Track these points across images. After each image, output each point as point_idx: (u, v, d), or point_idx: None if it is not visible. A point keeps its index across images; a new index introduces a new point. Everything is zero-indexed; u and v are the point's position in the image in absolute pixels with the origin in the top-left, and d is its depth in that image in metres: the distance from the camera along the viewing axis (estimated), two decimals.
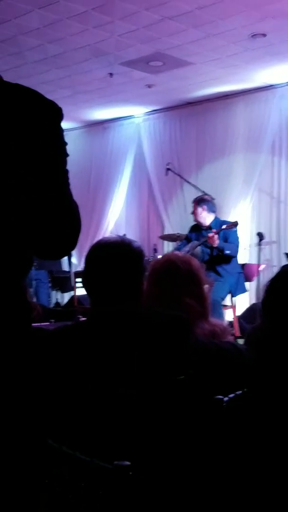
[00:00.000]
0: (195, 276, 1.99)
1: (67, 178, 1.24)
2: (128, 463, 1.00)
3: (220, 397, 1.49)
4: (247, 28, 4.69)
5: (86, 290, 1.69)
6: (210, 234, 5.09)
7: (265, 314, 1.55)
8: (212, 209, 5.38)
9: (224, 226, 5.20)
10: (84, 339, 1.57)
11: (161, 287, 1.95)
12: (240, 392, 1.54)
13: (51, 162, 1.18)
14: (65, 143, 1.23)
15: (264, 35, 4.80)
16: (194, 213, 5.40)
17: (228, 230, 5.22)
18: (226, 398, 1.49)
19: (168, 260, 2.01)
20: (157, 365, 1.53)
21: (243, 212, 6.37)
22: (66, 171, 1.24)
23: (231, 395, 1.51)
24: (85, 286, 1.69)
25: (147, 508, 1.13)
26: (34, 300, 4.85)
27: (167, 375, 1.56)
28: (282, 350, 1.37)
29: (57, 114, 1.19)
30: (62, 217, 1.22)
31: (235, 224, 5.24)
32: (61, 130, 1.21)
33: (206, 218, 5.32)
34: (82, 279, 1.71)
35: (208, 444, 1.48)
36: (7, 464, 1.12)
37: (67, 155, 1.23)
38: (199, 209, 5.33)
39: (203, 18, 4.54)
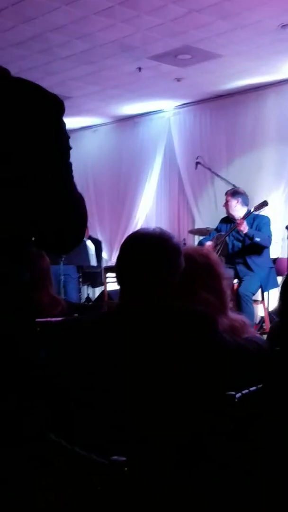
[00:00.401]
0: (213, 270, 1.97)
1: (70, 171, 1.25)
2: (123, 458, 1.01)
3: (232, 393, 1.48)
4: (276, 19, 4.61)
5: (117, 278, 1.65)
6: (239, 220, 5.03)
7: (281, 299, 1.52)
8: (245, 202, 5.32)
9: (252, 209, 5.15)
10: (107, 330, 1.56)
11: (180, 281, 1.94)
12: (255, 388, 1.53)
13: (53, 155, 1.19)
14: (68, 136, 1.24)
15: None
16: (226, 205, 5.33)
17: (261, 221, 5.15)
18: (238, 394, 1.48)
19: (186, 254, 2.00)
20: (179, 360, 1.52)
21: (275, 206, 6.27)
22: (69, 164, 1.24)
23: (244, 391, 1.50)
24: (117, 274, 1.65)
25: (144, 504, 1.14)
26: (63, 295, 4.90)
27: (188, 370, 1.55)
28: None
29: (59, 107, 1.20)
30: (66, 210, 1.23)
31: (264, 203, 5.16)
32: (62, 123, 1.22)
33: (239, 211, 5.26)
34: (115, 267, 1.66)
35: (216, 439, 1.47)
36: (8, 455, 1.14)
37: (69, 148, 1.24)
38: (233, 201, 5.27)
39: (231, 10, 4.48)
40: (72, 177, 1.26)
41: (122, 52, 5.34)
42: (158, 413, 1.47)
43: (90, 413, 1.47)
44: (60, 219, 1.23)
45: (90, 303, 6.41)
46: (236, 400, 1.42)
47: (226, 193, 5.44)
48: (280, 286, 1.38)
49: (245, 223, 4.99)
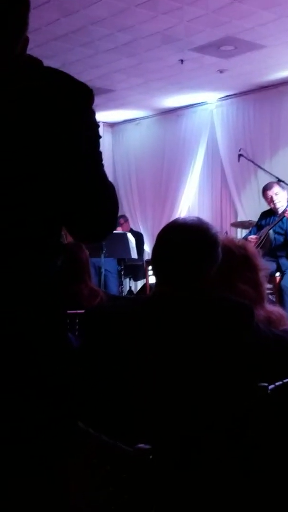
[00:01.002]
0: (250, 261, 1.96)
1: (100, 160, 1.25)
2: (148, 446, 1.02)
3: (265, 384, 1.46)
4: None
5: (154, 266, 1.64)
6: (286, 212, 4.93)
7: None
8: (287, 194, 5.21)
9: None
10: (142, 317, 1.56)
11: (216, 273, 1.93)
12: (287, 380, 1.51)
13: (83, 144, 1.19)
14: (98, 125, 1.24)
15: None
16: (274, 197, 5.16)
17: None
18: (271, 386, 1.46)
19: (223, 246, 1.98)
20: (215, 350, 1.51)
21: None
22: (99, 153, 1.25)
23: (278, 383, 1.48)
24: (153, 263, 1.64)
25: (168, 492, 1.15)
26: (103, 288, 4.95)
27: (224, 361, 1.54)
28: None
29: (88, 95, 1.20)
30: (96, 198, 1.23)
31: None
32: (92, 112, 1.22)
33: (284, 199, 5.14)
34: (152, 255, 1.65)
35: (248, 431, 1.47)
36: (39, 442, 1.17)
37: (99, 136, 1.24)
38: (282, 192, 5.14)
39: (273, 0, 4.40)
40: (102, 165, 1.27)
41: (164, 44, 5.32)
42: (190, 402, 1.48)
43: (122, 401, 1.49)
44: (91, 208, 1.24)
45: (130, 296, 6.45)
46: (268, 391, 1.40)
47: (269, 188, 5.26)
48: None
49: None
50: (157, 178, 7.96)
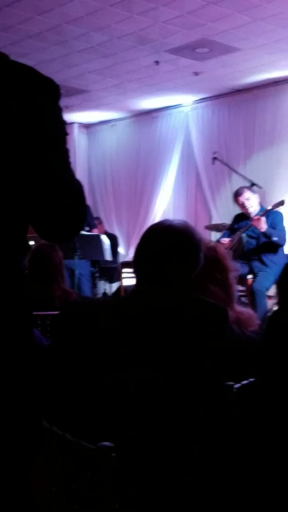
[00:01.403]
0: (220, 263, 1.95)
1: (67, 157, 1.22)
2: (110, 444, 0.99)
3: (231, 383, 1.46)
4: None
5: (135, 266, 1.61)
6: (256, 217, 4.95)
7: (281, 294, 1.50)
8: (258, 198, 5.25)
9: (269, 207, 5.06)
10: (116, 315, 1.54)
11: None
12: (253, 379, 1.51)
13: (49, 140, 1.16)
14: (64, 122, 1.21)
15: None
16: (246, 203, 5.16)
17: (274, 218, 5.08)
18: (237, 385, 1.46)
19: None
20: (187, 352, 1.50)
21: None
22: (66, 150, 1.22)
23: (244, 382, 1.48)
24: (134, 262, 1.61)
25: (131, 489, 1.12)
26: (76, 290, 4.89)
27: (194, 361, 1.53)
28: None
29: (55, 91, 1.17)
30: (63, 194, 1.20)
31: (281, 203, 5.07)
32: (58, 108, 1.19)
33: (255, 204, 5.15)
34: (135, 253, 1.61)
35: (213, 429, 1.45)
36: (3, 441, 1.14)
37: (66, 133, 1.21)
38: (253, 196, 5.15)
39: (249, 2, 4.43)
40: (69, 163, 1.23)
41: (140, 45, 5.32)
42: (157, 400, 1.46)
43: (89, 398, 1.46)
44: (59, 203, 1.20)
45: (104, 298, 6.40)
46: (234, 390, 1.39)
47: (239, 194, 5.24)
48: (279, 278, 1.35)
49: (263, 220, 4.90)
50: (132, 180, 7.96)
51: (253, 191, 5.21)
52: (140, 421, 1.41)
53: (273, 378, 1.24)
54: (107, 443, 0.99)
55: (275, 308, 1.46)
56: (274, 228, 5.04)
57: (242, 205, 5.16)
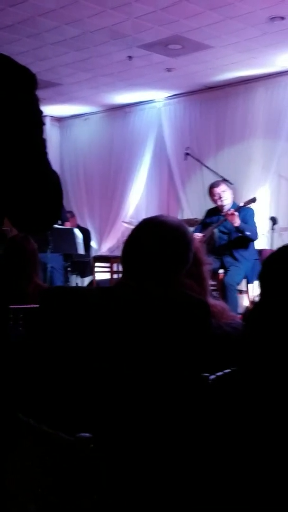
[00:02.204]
0: (195, 256, 1.99)
1: (44, 147, 1.21)
2: (89, 435, 1.02)
3: (206, 374, 1.49)
4: (266, 11, 4.61)
5: (123, 259, 1.59)
6: (230, 211, 5.01)
7: (261, 287, 1.54)
8: (232, 193, 5.31)
9: (241, 204, 5.14)
10: (97, 305, 1.54)
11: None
12: (229, 370, 1.54)
13: (26, 131, 1.15)
14: (41, 112, 1.20)
15: (282, 18, 4.71)
16: (215, 192, 5.22)
17: (246, 214, 5.16)
18: (212, 376, 1.49)
19: None
20: (167, 344, 1.53)
21: (262, 198, 6.30)
22: (43, 140, 1.20)
23: (219, 373, 1.52)
24: (123, 255, 1.59)
25: (109, 480, 1.15)
26: (48, 283, 4.88)
27: (175, 354, 1.56)
28: (273, 323, 1.35)
29: (31, 80, 1.14)
30: (39, 184, 1.19)
31: (253, 200, 5.15)
32: (35, 98, 1.17)
33: (229, 198, 5.21)
34: (123, 247, 1.60)
35: (189, 421, 1.49)
36: None
37: (42, 123, 1.20)
38: (224, 186, 5.20)
39: (221, 0, 4.47)
40: (46, 153, 1.22)
41: (113, 39, 5.32)
42: (135, 391, 1.49)
43: (70, 389, 1.49)
44: (34, 193, 1.19)
45: None
46: (209, 381, 1.43)
47: (216, 185, 5.31)
48: (260, 271, 1.39)
49: (237, 215, 4.97)
50: (105, 175, 7.95)
51: (229, 186, 5.29)
52: (119, 412, 1.44)
53: (253, 370, 1.28)
54: (85, 434, 1.01)
55: (256, 300, 1.50)
56: (245, 223, 5.12)
57: (218, 197, 5.21)
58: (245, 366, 1.36)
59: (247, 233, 5.03)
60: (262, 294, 1.32)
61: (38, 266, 3.23)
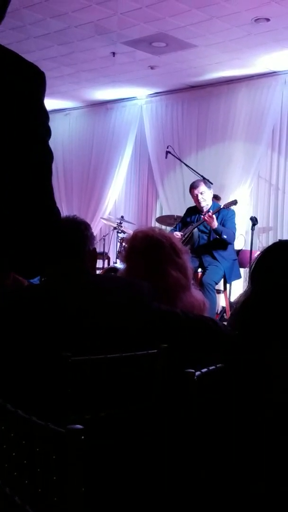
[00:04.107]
0: (176, 247, 2.04)
1: (50, 172, 1.02)
2: (80, 427, 1.02)
3: (192, 370, 1.50)
4: (251, 12, 4.64)
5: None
6: (208, 214, 5.04)
7: (251, 282, 1.56)
8: (212, 193, 5.32)
9: (222, 206, 5.17)
10: (42, 298, 1.63)
11: (146, 264, 1.98)
12: (214, 367, 1.56)
13: (34, 141, 0.98)
14: (48, 117, 1.02)
15: (267, 19, 4.75)
16: (200, 196, 5.22)
17: (226, 215, 5.19)
18: (198, 372, 1.50)
19: (149, 236, 2.04)
20: (111, 329, 1.60)
21: (242, 198, 6.35)
22: (50, 154, 1.01)
23: (204, 370, 1.53)
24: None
25: (101, 473, 1.16)
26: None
27: (123, 341, 1.61)
28: (263, 318, 1.36)
29: (42, 78, 0.99)
30: (42, 222, 0.99)
31: (234, 202, 5.19)
32: (43, 96, 1.00)
33: (208, 199, 5.23)
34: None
35: (175, 415, 1.50)
36: None
37: (49, 132, 1.01)
38: (203, 187, 5.20)
39: (207, 0, 4.49)
40: (50, 172, 1.04)
41: (97, 35, 5.30)
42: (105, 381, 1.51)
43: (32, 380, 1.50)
44: (36, 231, 0.99)
45: None
46: (195, 378, 1.44)
47: (195, 186, 5.30)
48: (250, 269, 1.41)
49: (214, 218, 5.00)
50: (84, 171, 7.93)
51: (209, 186, 5.30)
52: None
53: (243, 366, 1.30)
54: (77, 426, 1.01)
55: (243, 296, 1.51)
56: (224, 225, 5.15)
57: (196, 198, 5.23)
58: (234, 362, 1.37)
59: (224, 236, 5.06)
60: (253, 290, 1.33)
61: None
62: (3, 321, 1.60)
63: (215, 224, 5.00)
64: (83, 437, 1.02)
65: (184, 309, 1.89)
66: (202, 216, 5.13)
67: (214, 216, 5.01)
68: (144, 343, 1.66)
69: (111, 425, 1.51)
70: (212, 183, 5.57)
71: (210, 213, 5.05)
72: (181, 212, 6.14)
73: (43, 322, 1.57)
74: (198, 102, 6.83)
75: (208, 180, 5.59)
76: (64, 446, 1.02)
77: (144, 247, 2.00)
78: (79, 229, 1.78)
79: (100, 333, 1.62)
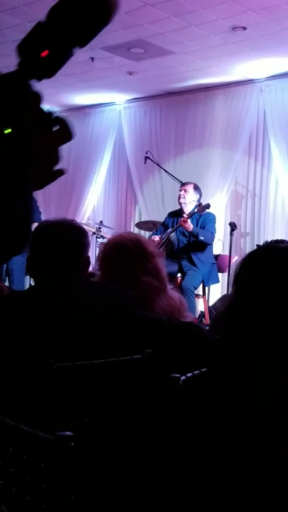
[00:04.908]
0: (146, 251, 2.02)
1: None
2: (70, 433, 1.02)
3: (177, 375, 1.51)
4: (228, 20, 4.70)
5: (36, 262, 1.77)
6: (183, 218, 5.09)
7: (235, 287, 1.57)
8: (200, 200, 5.37)
9: (196, 209, 5.22)
10: (32, 304, 1.63)
11: (115, 271, 1.97)
12: (198, 372, 1.56)
13: None
14: None
15: (244, 28, 4.81)
16: (183, 194, 5.28)
17: (206, 218, 5.24)
18: (183, 377, 1.51)
19: (117, 243, 2.04)
20: (100, 336, 1.61)
21: (219, 204, 6.42)
22: None
23: (189, 374, 1.53)
24: (35, 259, 1.77)
25: (90, 480, 1.16)
26: (7, 283, 4.80)
27: (111, 347, 1.61)
28: (249, 322, 1.38)
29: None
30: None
31: (206, 206, 5.24)
32: None
33: (193, 205, 5.29)
34: (31, 257, 1.79)
35: (159, 420, 1.51)
36: None
37: None
38: (194, 195, 5.27)
39: (185, 7, 4.53)
40: None
41: None
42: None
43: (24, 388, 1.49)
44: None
45: None
46: (180, 383, 1.45)
47: (183, 184, 5.42)
48: (235, 273, 1.42)
49: (189, 221, 5.06)
50: (62, 176, 7.88)
51: (197, 191, 5.34)
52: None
53: (227, 370, 1.31)
54: (67, 433, 1.01)
55: (227, 300, 1.52)
56: (204, 227, 5.20)
57: (179, 196, 5.33)
58: (219, 367, 1.39)
59: (201, 237, 5.11)
60: (237, 294, 1.35)
61: None
62: None
63: (191, 226, 5.06)
64: (73, 444, 1.02)
65: (166, 314, 1.89)
66: (180, 220, 5.18)
67: (188, 220, 5.06)
68: (129, 350, 1.66)
69: (96, 431, 1.51)
70: (201, 193, 5.51)
71: (185, 217, 5.10)
72: (159, 218, 6.17)
73: (27, 329, 1.56)
74: (176, 109, 6.88)
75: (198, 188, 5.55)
76: (54, 453, 1.02)
77: (112, 253, 2.00)
78: (79, 237, 1.76)
79: (84, 340, 1.62)
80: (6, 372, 1.47)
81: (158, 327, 1.79)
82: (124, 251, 1.99)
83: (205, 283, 5.35)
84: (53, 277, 1.70)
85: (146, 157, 6.26)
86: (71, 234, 1.76)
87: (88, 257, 1.85)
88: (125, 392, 1.63)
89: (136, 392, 1.63)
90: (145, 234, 6.84)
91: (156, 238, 5.36)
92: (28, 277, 7.13)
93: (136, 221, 7.08)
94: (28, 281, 7.26)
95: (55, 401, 1.46)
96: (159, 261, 2.07)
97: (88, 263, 1.85)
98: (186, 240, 5.30)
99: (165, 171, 6.28)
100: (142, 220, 7.00)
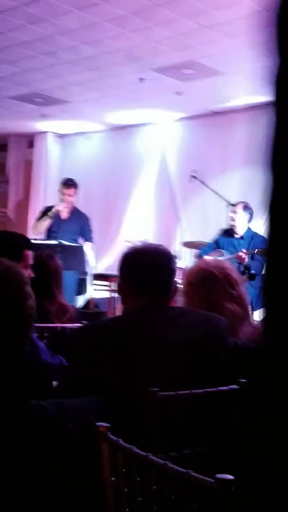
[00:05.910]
0: (231, 278, 2.01)
1: None
2: (231, 477, 0.96)
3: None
4: None
5: (129, 284, 1.74)
6: (240, 254, 5.02)
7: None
8: (251, 219, 5.32)
9: (256, 251, 5.13)
10: (129, 329, 1.63)
11: (201, 298, 1.96)
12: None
13: None
14: None
15: None
16: (233, 216, 5.27)
17: (257, 240, 5.17)
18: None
19: (202, 269, 2.03)
20: (197, 364, 1.59)
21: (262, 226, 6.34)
22: None
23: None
24: (129, 280, 1.74)
25: None
26: None
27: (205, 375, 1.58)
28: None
29: None
30: None
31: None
32: None
33: (244, 225, 5.25)
34: (124, 274, 1.76)
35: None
36: None
37: None
38: (244, 216, 5.24)
39: (239, 29, 4.54)
40: None
41: (128, 61, 5.36)
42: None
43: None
44: None
45: (95, 310, 6.38)
46: None
47: (235, 204, 5.39)
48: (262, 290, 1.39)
49: (246, 258, 4.99)
50: (104, 194, 7.94)
51: (246, 211, 5.29)
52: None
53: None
54: (227, 476, 0.95)
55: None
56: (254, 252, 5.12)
57: (230, 218, 5.29)
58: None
59: (252, 271, 5.05)
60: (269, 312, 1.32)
61: (61, 284, 3.19)
62: (88, 355, 1.58)
63: (246, 261, 5.01)
64: (233, 488, 0.96)
65: (252, 342, 1.87)
66: (238, 253, 5.08)
67: (246, 257, 5.00)
68: (222, 379, 1.64)
69: (196, 463, 1.48)
70: (252, 212, 5.42)
71: (243, 252, 5.01)
72: (203, 237, 6.12)
73: (129, 355, 1.55)
74: (220, 129, 6.86)
75: (249, 204, 5.46)
76: (216, 498, 0.96)
77: (199, 280, 1.99)
78: (170, 262, 1.75)
79: (182, 368, 1.60)
80: (109, 399, 1.45)
81: (248, 354, 1.76)
82: (209, 278, 1.99)
83: (253, 307, 5.27)
84: (147, 302, 1.69)
85: (192, 176, 6.25)
86: (164, 259, 1.75)
87: (176, 282, 1.83)
88: (222, 423, 1.60)
89: (233, 422, 1.60)
90: (191, 252, 6.81)
91: (242, 254, 5.13)
92: (78, 296, 7.13)
93: (179, 241, 7.05)
94: (81, 301, 7.27)
95: (158, 431, 1.44)
96: (242, 288, 2.06)
97: (176, 288, 1.83)
98: (237, 265, 5.24)
99: (213, 190, 6.26)
100: (185, 240, 6.96)
